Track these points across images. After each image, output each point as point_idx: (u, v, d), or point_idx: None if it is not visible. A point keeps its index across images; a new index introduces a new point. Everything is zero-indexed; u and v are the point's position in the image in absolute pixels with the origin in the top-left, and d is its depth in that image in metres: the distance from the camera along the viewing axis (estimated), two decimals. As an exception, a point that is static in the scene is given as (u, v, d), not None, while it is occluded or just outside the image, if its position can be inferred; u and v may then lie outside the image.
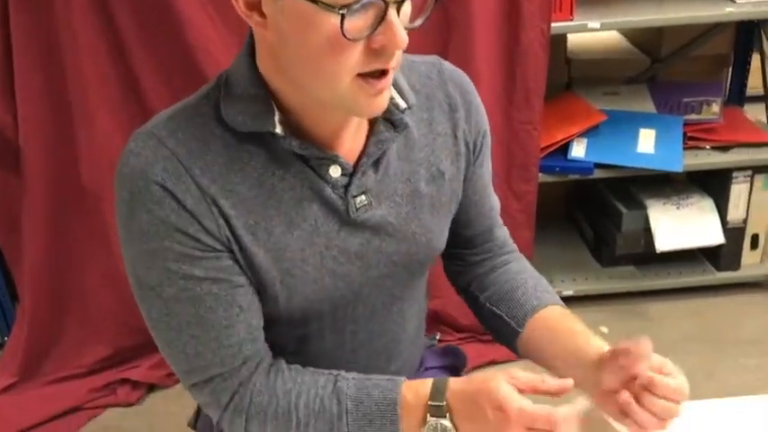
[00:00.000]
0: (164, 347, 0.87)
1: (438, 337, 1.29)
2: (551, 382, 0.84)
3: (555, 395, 0.83)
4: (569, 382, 0.84)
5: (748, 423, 0.91)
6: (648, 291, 2.46)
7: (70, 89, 1.87)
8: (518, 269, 1.07)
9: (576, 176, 2.24)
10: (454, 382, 0.86)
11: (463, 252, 1.07)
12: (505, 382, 0.81)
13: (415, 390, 0.87)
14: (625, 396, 0.84)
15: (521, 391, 0.81)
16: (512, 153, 2.14)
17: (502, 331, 1.04)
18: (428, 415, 0.84)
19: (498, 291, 1.05)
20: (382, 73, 0.77)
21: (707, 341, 2.28)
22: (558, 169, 2.22)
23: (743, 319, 2.39)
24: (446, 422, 0.84)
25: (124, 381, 2.07)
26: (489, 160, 1.03)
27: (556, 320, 1.00)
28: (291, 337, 0.93)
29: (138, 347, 2.02)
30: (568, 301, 2.52)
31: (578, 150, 2.23)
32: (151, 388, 2.10)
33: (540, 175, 2.20)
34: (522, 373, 0.83)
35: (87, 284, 2.03)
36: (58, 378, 2.06)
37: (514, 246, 1.12)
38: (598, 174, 2.23)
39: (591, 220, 2.64)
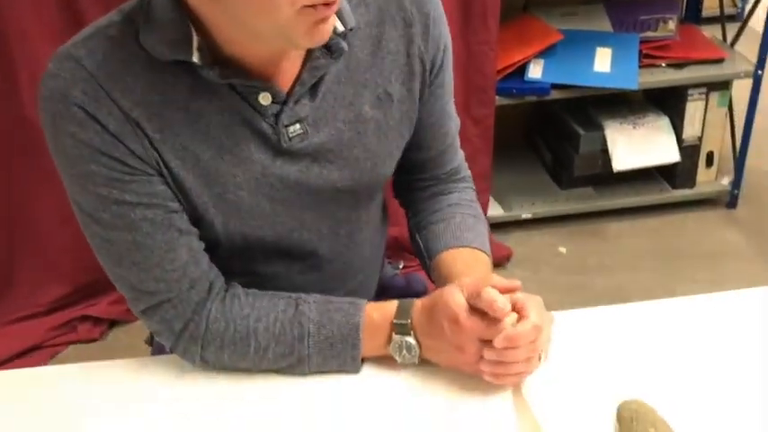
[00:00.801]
0: (110, 274, 0.86)
1: (402, 266, 1.29)
2: (499, 281, 0.84)
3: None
4: (517, 282, 0.84)
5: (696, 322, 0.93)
6: (606, 211, 2.49)
7: (4, 15, 1.78)
8: (455, 201, 1.04)
9: (534, 98, 2.23)
10: (419, 301, 0.87)
11: (411, 177, 1.05)
12: (459, 293, 0.82)
13: (382, 309, 0.87)
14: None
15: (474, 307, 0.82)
16: (468, 76, 2.11)
17: (419, 260, 1.04)
18: (393, 333, 0.85)
19: (424, 219, 1.04)
20: (327, 3, 0.72)
21: (663, 258, 2.34)
22: (515, 91, 2.20)
23: (699, 236, 2.45)
24: (410, 339, 0.85)
25: (85, 318, 2.06)
26: (450, 78, 0.97)
27: (457, 262, 0.97)
28: (237, 263, 0.92)
29: (98, 283, 2.00)
30: (527, 224, 2.60)
31: (535, 71, 2.21)
32: (113, 324, 2.10)
33: (498, 98, 2.19)
34: (467, 279, 0.83)
35: (40, 222, 1.99)
36: (16, 318, 2.03)
37: (467, 174, 1.08)
38: (555, 95, 2.22)
39: (549, 143, 2.65)
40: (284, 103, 0.83)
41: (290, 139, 0.84)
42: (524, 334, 0.79)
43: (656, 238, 2.44)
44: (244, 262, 0.93)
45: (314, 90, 0.85)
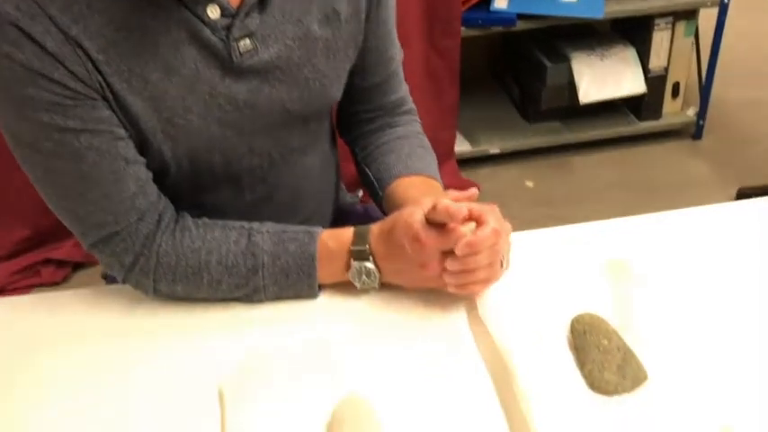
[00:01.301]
0: (55, 208, 0.84)
1: (361, 195, 1.28)
2: (455, 194, 0.83)
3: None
4: (473, 190, 0.84)
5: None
6: (573, 144, 2.49)
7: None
8: (403, 134, 1.03)
9: (500, 29, 2.19)
10: (375, 226, 0.86)
11: (356, 108, 1.03)
12: (419, 212, 0.81)
13: (338, 237, 0.86)
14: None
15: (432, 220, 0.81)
16: (433, 7, 2.07)
17: (371, 193, 1.03)
18: (351, 260, 0.85)
19: (373, 152, 1.03)
20: None
21: (630, 190, 2.35)
22: (480, 22, 2.17)
23: (664, 167, 2.46)
24: (369, 264, 0.84)
25: (48, 261, 2.03)
26: (394, 3, 0.96)
27: (410, 189, 0.96)
28: (187, 192, 0.90)
29: (60, 226, 1.95)
30: (495, 159, 2.60)
31: (501, 1, 2.17)
32: (77, 267, 2.07)
33: (463, 29, 2.15)
34: (426, 199, 0.82)
35: (-3, 164, 1.94)
36: (-23, 263, 2.00)
37: (413, 108, 1.07)
38: (521, 25, 2.19)
39: (516, 76, 2.62)
40: (234, 16, 0.80)
41: (240, 54, 0.82)
42: (484, 238, 0.79)
43: (622, 169, 2.45)
44: (193, 191, 0.91)
45: (262, 4, 0.82)
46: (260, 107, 0.86)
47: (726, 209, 1.03)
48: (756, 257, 0.92)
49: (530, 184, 2.38)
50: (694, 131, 2.56)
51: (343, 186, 1.16)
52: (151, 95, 0.80)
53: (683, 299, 0.83)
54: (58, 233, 2.01)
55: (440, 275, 0.82)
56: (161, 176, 0.86)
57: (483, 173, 2.41)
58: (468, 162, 2.41)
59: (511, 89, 2.66)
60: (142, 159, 0.83)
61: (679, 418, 0.67)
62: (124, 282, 0.87)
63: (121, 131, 0.80)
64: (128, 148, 0.81)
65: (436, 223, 0.80)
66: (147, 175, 0.84)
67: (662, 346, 0.76)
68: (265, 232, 0.86)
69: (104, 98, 0.78)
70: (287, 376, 0.75)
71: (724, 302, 0.84)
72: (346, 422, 0.67)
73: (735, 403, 0.69)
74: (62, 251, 2.02)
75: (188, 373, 0.78)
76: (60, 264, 2.03)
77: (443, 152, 2.24)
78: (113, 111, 0.79)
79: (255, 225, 0.86)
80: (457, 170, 2.36)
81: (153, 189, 0.85)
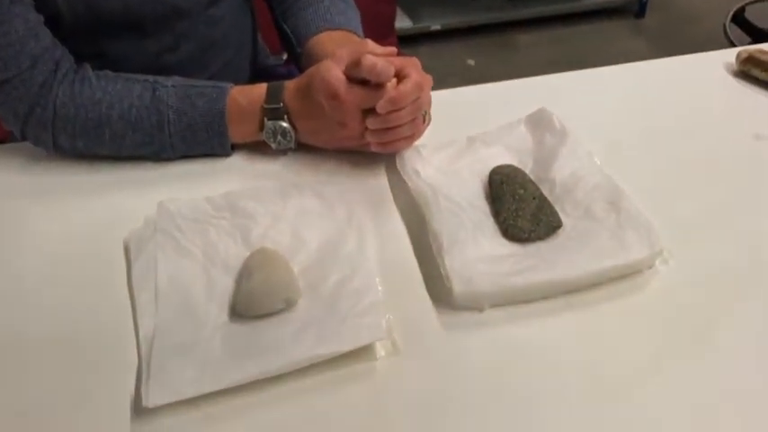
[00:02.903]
0: None
1: (285, 58, 1.22)
2: (375, 47, 0.78)
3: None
4: (392, 48, 0.80)
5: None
6: (516, 21, 2.44)
7: None
8: None
9: None
10: (291, 83, 0.81)
11: None
12: (335, 67, 0.76)
13: (249, 94, 0.81)
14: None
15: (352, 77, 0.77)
16: None
17: (288, 50, 0.97)
18: (265, 119, 0.81)
19: (291, 6, 0.97)
20: None
21: (572, 67, 2.32)
22: None
23: (607, 45, 2.44)
24: (284, 124, 0.80)
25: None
26: None
27: (329, 44, 0.91)
28: (86, 42, 0.84)
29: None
30: (436, 36, 2.54)
31: None
32: None
33: None
34: (341, 50, 0.78)
35: None
36: None
37: None
38: None
39: (460, -51, 2.53)
40: None
41: None
42: (406, 93, 0.75)
43: (564, 47, 2.42)
44: (92, 41, 0.85)
45: None
46: None
47: (650, 66, 1.02)
48: (675, 111, 0.92)
49: (471, 62, 2.34)
50: (637, 10, 2.53)
51: (266, 48, 1.10)
52: None
53: (602, 150, 0.82)
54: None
55: (360, 134, 0.79)
56: (56, 23, 0.80)
57: (424, 50, 2.35)
58: (408, 39, 2.35)
59: (454, -37, 2.57)
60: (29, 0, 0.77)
61: (590, 260, 0.67)
62: (23, 136, 0.82)
63: None
64: None
65: (356, 79, 0.76)
66: (37, 17, 0.77)
67: (578, 196, 0.75)
68: (171, 86, 0.80)
69: None
70: (196, 230, 0.72)
71: (641, 154, 0.84)
72: (256, 269, 0.66)
73: (645, 245, 0.70)
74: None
75: (94, 230, 0.75)
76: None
77: (383, 28, 2.17)
78: None
79: (161, 79, 0.81)
80: (398, 47, 2.29)
81: (46, 33, 0.78)
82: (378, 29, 2.13)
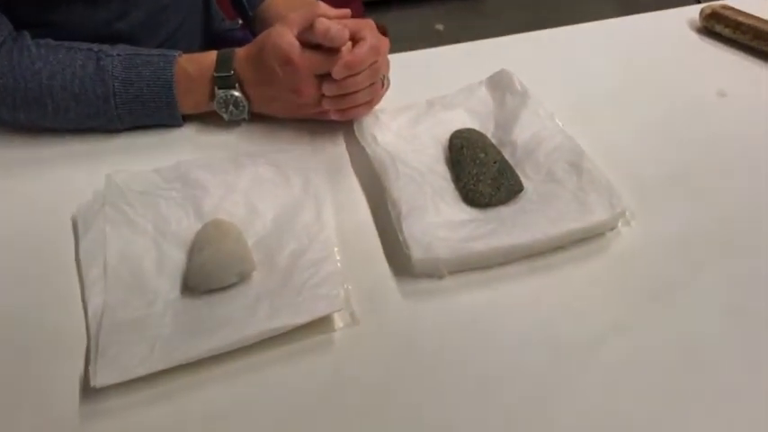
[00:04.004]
0: None
1: (241, 22, 1.18)
2: (328, 9, 0.76)
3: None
4: (347, 10, 0.77)
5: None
6: (485, -16, 2.41)
7: None
8: None
9: None
10: (242, 50, 0.78)
11: None
12: (287, 32, 0.74)
13: (198, 62, 0.78)
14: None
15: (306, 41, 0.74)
16: None
17: (241, 14, 0.94)
18: (216, 88, 0.77)
19: None
20: None
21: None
22: None
23: (576, 6, 2.41)
24: (236, 93, 0.78)
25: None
26: None
27: (281, 6, 0.88)
28: (28, 11, 0.80)
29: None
30: (404, 1, 2.49)
31: None
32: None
33: None
34: (293, 14, 0.75)
35: None
36: None
37: None
38: None
39: None
40: None
41: None
42: (363, 57, 0.73)
43: (535, 11, 2.40)
44: (39, 11, 0.81)
45: None
46: None
47: (614, 24, 1.00)
48: (639, 69, 0.90)
49: (439, 27, 2.31)
50: (607, -31, 2.50)
51: (221, 13, 1.07)
52: None
53: (566, 111, 0.80)
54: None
55: (316, 101, 0.76)
56: None
57: (391, 16, 2.32)
58: (375, 5, 2.30)
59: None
60: None
61: (551, 224, 0.66)
62: None
63: None
64: None
65: (310, 43, 0.73)
66: None
67: (539, 158, 0.74)
68: (116, 56, 0.77)
69: None
70: (146, 203, 0.70)
71: (605, 114, 0.83)
72: (208, 242, 0.63)
73: (607, 207, 0.68)
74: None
75: (41, 206, 0.72)
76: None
77: (348, -7, 2.12)
78: None
79: (105, 47, 0.77)
80: (363, 13, 2.25)
81: None
82: (343, -6, 2.09)
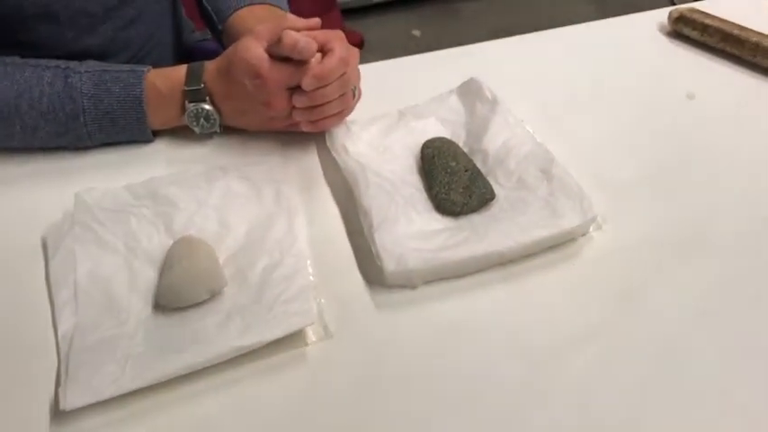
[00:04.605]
0: None
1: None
2: (296, 21, 0.75)
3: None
4: (316, 20, 0.77)
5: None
6: (460, -10, 2.42)
7: None
8: None
9: None
10: (211, 63, 0.77)
11: None
12: (255, 45, 0.73)
13: (168, 77, 0.78)
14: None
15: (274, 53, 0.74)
16: None
17: (210, 28, 0.94)
18: (186, 102, 0.77)
19: None
20: None
21: (517, 35, 2.31)
22: None
23: (554, 10, 2.43)
24: (207, 106, 0.77)
25: None
26: None
27: (249, 20, 0.87)
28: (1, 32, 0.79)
29: None
30: (381, 8, 2.50)
31: None
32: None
33: None
34: (260, 27, 0.75)
35: None
36: None
37: None
38: None
39: None
40: None
41: None
42: (332, 68, 0.72)
43: (510, 16, 2.40)
44: (6, 31, 0.80)
45: None
46: None
47: (584, 28, 1.01)
48: (609, 73, 0.91)
49: (416, 33, 2.31)
50: (582, -28, 2.52)
51: (191, 23, 1.06)
52: None
53: (537, 116, 0.80)
54: None
55: (287, 114, 0.76)
56: None
57: (368, 22, 2.32)
58: (353, 12, 2.31)
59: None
60: None
61: (523, 231, 0.66)
62: None
63: None
64: None
65: (279, 56, 0.73)
66: None
67: (510, 166, 0.74)
68: (84, 72, 0.76)
69: None
70: (116, 221, 0.69)
71: (576, 118, 0.83)
72: (178, 259, 0.63)
73: (578, 213, 0.69)
74: None
75: (9, 227, 0.71)
76: None
77: (324, 1, 2.12)
78: None
79: (73, 64, 0.77)
80: (341, 20, 2.25)
81: None
82: (319, 2, 2.09)
